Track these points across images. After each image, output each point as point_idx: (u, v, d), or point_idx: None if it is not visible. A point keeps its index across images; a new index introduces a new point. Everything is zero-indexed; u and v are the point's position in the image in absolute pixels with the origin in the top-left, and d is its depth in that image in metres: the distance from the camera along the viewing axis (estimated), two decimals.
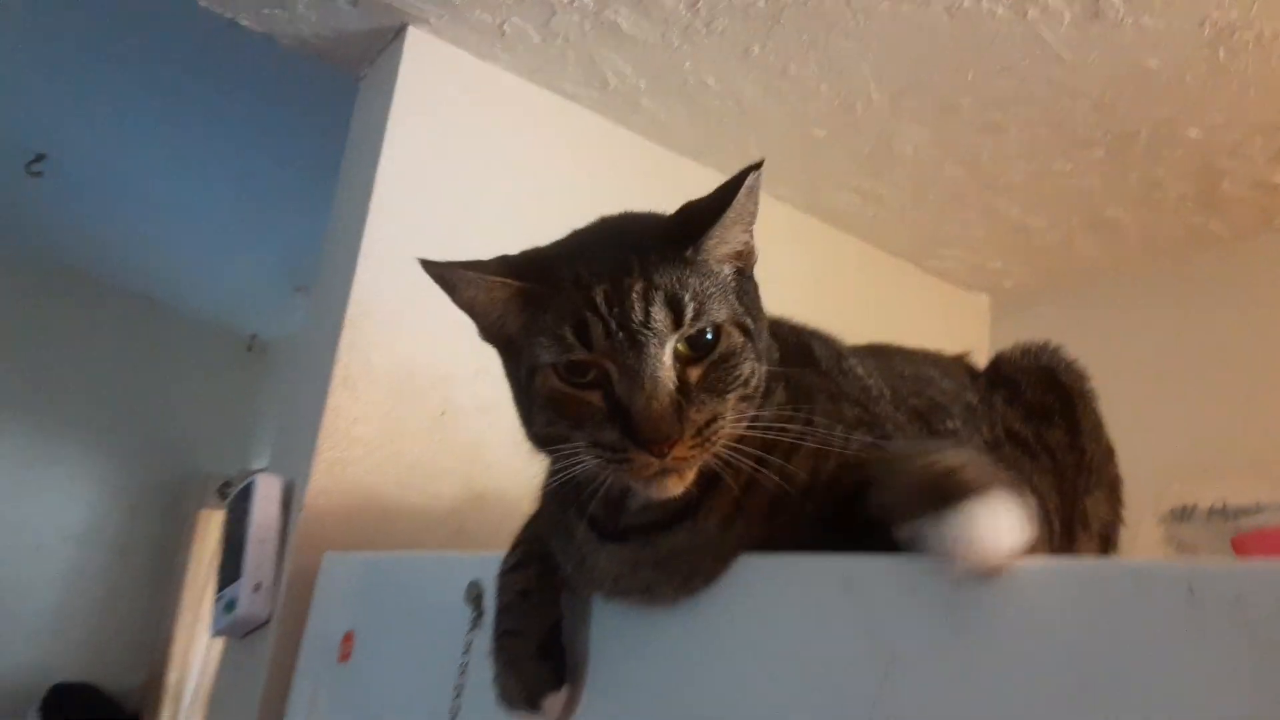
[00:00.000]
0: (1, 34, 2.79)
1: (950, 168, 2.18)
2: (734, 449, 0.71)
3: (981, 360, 1.24)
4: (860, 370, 0.92)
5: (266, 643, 1.55)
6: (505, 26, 1.83)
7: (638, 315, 0.69)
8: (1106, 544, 1.13)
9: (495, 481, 1.76)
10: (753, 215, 0.76)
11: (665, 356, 0.69)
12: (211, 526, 4.96)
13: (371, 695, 1.23)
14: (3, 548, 4.73)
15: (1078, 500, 1.09)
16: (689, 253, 0.73)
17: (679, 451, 0.68)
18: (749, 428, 0.73)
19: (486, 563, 0.98)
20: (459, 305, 0.79)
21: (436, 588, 1.15)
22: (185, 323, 5.32)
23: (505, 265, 0.77)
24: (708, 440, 0.69)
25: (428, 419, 1.76)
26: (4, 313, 4.82)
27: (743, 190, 0.73)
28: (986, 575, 0.55)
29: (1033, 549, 0.55)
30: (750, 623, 0.73)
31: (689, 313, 0.70)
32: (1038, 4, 1.64)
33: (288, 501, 1.65)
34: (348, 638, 1.32)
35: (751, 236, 0.78)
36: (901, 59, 1.82)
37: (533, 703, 0.84)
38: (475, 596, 1.02)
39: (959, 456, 0.62)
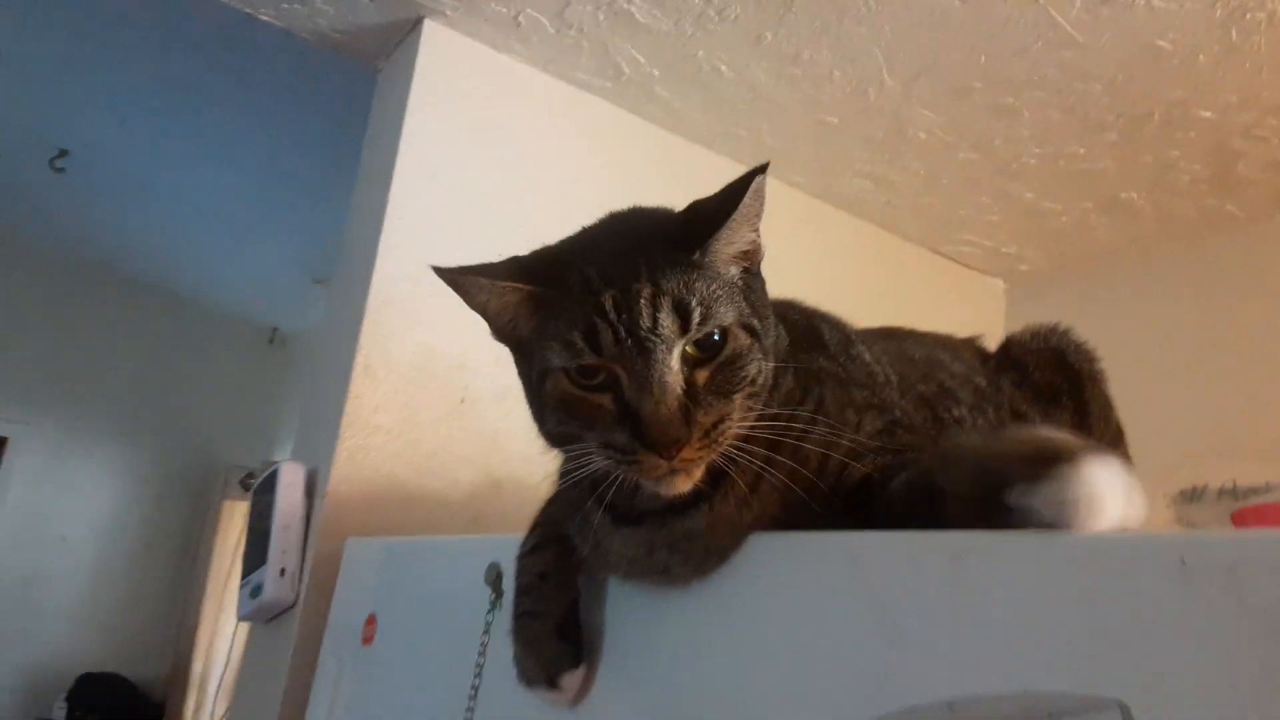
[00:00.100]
0: (24, 31, 2.83)
1: (964, 152, 2.18)
2: (741, 447, 0.73)
3: (994, 345, 1.25)
4: (868, 356, 0.93)
5: (291, 627, 1.58)
6: (520, 18, 1.85)
7: (646, 321, 0.70)
8: None
9: (513, 468, 1.78)
10: (759, 214, 0.77)
11: (673, 361, 0.70)
12: (235, 518, 5.01)
13: (394, 676, 1.26)
14: (30, 540, 4.80)
15: None
16: (696, 256, 0.74)
17: (686, 454, 0.69)
18: (756, 421, 0.74)
19: (506, 545, 1.00)
20: (472, 308, 0.80)
21: (456, 571, 1.17)
22: (208, 317, 5.37)
23: (516, 269, 0.78)
24: (715, 441, 0.71)
25: (447, 407, 1.78)
26: (29, 308, 4.88)
27: (749, 192, 0.74)
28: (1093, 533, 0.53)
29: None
30: (760, 600, 0.74)
31: (696, 317, 0.71)
32: None
33: (311, 488, 1.68)
34: (370, 621, 1.35)
35: (758, 234, 0.78)
36: (913, 44, 1.82)
37: (551, 681, 0.87)
38: (495, 578, 1.04)
39: (1051, 430, 0.61)
